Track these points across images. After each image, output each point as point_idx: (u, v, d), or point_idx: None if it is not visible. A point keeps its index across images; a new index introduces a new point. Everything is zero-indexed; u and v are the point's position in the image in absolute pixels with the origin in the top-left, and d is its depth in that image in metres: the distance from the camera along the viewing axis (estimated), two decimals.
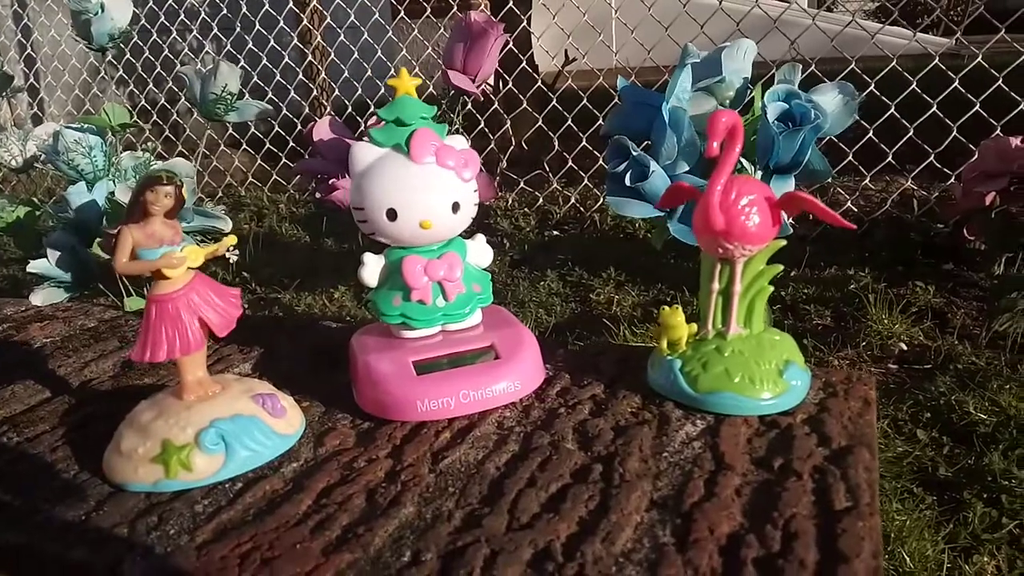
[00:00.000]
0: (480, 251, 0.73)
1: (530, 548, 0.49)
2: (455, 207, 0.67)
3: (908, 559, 0.77)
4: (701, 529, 0.49)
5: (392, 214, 0.65)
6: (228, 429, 0.59)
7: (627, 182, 0.81)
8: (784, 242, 0.65)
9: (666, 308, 0.66)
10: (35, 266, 1.07)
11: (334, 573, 0.48)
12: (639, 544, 0.48)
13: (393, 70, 0.69)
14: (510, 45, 1.82)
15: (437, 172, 0.66)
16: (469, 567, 0.47)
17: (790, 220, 0.75)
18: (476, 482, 0.56)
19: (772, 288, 0.66)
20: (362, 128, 1.60)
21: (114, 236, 0.58)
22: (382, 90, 1.96)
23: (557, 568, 0.47)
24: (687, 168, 0.83)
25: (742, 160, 0.82)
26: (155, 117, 2.26)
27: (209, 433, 0.58)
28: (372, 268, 0.70)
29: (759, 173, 0.81)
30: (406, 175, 0.66)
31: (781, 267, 0.65)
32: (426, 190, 0.66)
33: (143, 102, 2.29)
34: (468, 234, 0.73)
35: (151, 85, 2.28)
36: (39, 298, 1.07)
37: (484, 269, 0.74)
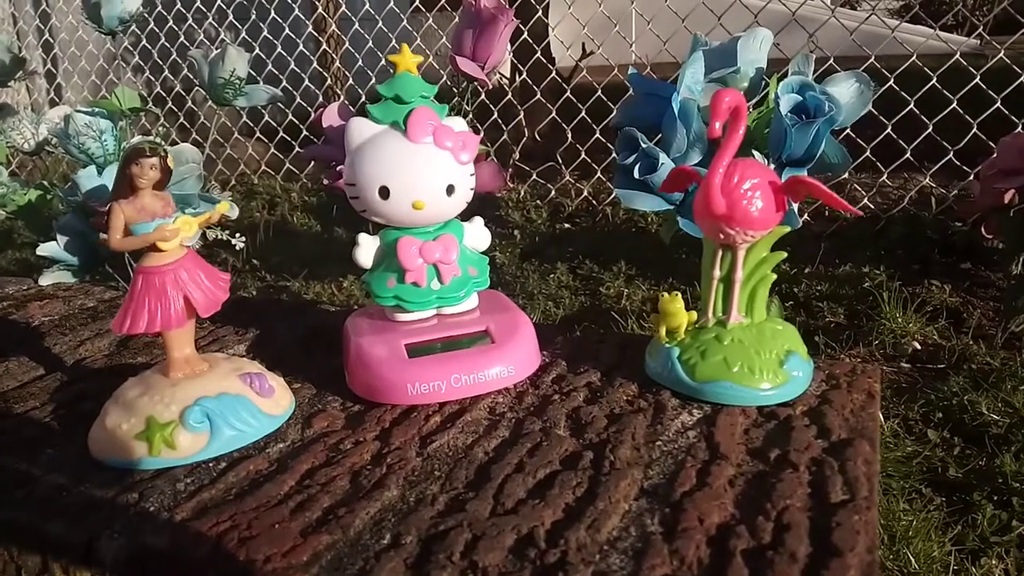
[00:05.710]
0: (477, 234, 0.71)
1: (513, 533, 0.47)
2: (450, 189, 0.65)
3: (913, 560, 0.75)
4: (691, 519, 0.47)
5: (385, 192, 0.64)
6: (213, 407, 0.58)
7: (636, 174, 0.80)
8: (788, 228, 0.63)
9: (665, 295, 0.64)
10: (44, 249, 1.07)
11: (311, 554, 0.47)
12: (625, 532, 0.47)
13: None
14: (524, 35, 1.81)
15: (433, 152, 0.65)
16: (449, 551, 0.46)
17: (805, 216, 0.72)
18: (463, 467, 0.55)
19: (775, 276, 0.64)
20: None
21: (105, 214, 0.57)
22: None
23: (539, 554, 0.45)
24: (697, 160, 0.81)
25: (755, 153, 0.80)
26: (170, 104, 2.26)
27: (194, 411, 0.57)
28: (367, 248, 0.68)
29: (772, 166, 0.79)
30: (401, 153, 0.64)
31: (785, 253, 0.63)
32: (421, 170, 0.64)
33: (159, 89, 2.29)
34: (469, 217, 0.71)
35: (167, 72, 2.29)
36: (47, 280, 1.07)
37: (482, 253, 0.72)
